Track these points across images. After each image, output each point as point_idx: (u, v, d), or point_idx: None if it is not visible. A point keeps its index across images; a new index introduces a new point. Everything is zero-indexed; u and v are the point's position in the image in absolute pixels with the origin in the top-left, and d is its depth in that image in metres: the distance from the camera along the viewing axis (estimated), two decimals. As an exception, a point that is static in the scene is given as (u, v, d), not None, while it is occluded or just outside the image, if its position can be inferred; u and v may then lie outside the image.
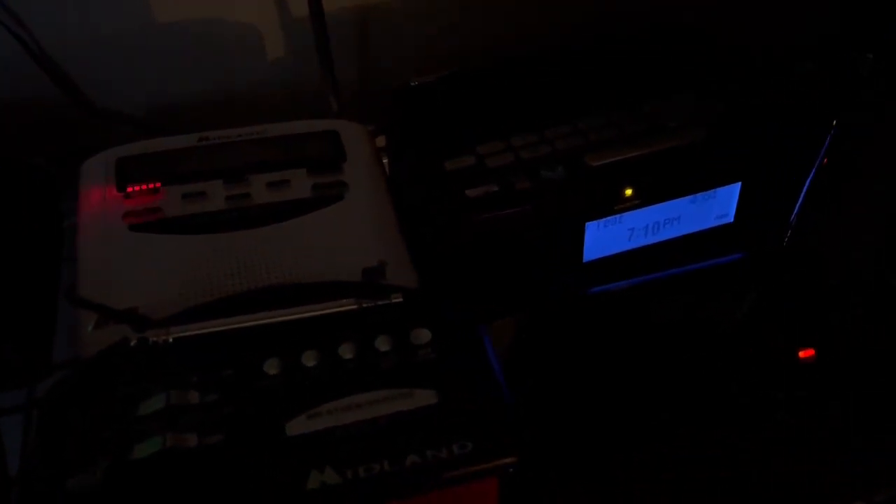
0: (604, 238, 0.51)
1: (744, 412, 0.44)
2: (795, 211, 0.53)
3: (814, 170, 0.51)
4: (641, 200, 0.50)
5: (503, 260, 0.49)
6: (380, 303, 0.42)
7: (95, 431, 0.35)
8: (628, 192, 0.49)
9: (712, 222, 0.54)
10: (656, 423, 0.45)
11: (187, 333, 0.40)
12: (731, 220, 0.54)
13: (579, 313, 0.51)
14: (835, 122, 0.49)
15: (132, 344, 0.39)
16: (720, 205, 0.53)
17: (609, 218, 0.50)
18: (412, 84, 0.60)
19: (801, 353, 0.46)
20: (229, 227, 0.50)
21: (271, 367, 0.38)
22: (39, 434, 0.36)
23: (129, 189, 0.53)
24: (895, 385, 0.46)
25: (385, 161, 0.59)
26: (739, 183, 0.52)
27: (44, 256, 0.56)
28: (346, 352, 0.39)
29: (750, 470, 0.42)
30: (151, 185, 0.53)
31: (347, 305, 0.42)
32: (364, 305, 0.42)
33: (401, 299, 0.42)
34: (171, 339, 0.39)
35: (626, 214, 0.50)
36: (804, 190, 0.52)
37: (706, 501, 0.42)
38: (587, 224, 0.50)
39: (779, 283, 0.52)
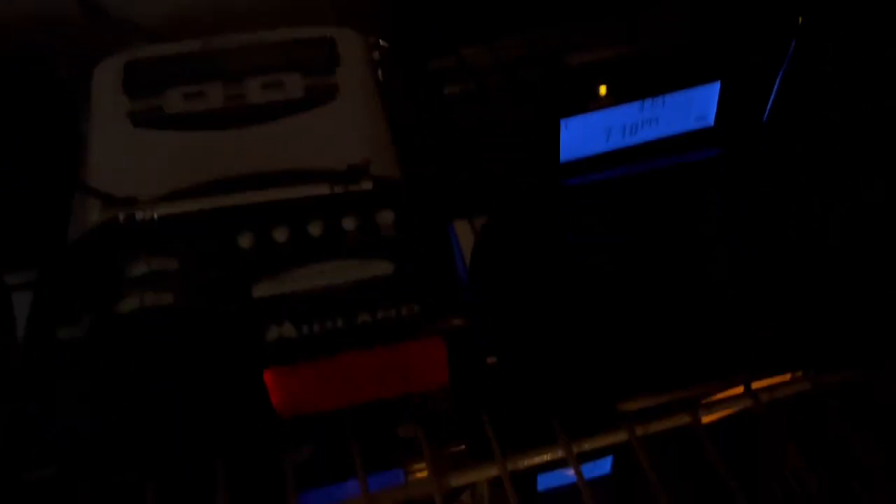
0: (581, 137, 0.53)
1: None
2: (767, 111, 0.54)
3: (783, 69, 0.52)
4: (616, 98, 0.51)
5: (481, 157, 0.52)
6: (351, 188, 0.45)
7: (84, 292, 0.39)
8: (603, 89, 0.51)
9: (691, 125, 0.55)
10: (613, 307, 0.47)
11: (171, 211, 0.43)
12: (711, 123, 0.55)
13: (552, 208, 0.53)
14: (800, 20, 0.50)
15: (121, 220, 0.43)
16: (698, 106, 0.54)
17: (584, 115, 0.51)
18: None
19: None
20: (226, 125, 0.53)
21: (245, 240, 0.41)
22: (35, 295, 0.40)
23: (135, 89, 0.56)
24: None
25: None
26: (718, 83, 0.53)
27: (60, 157, 0.60)
28: (315, 229, 0.42)
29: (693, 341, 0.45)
30: (155, 86, 0.56)
31: (320, 190, 0.45)
32: (335, 191, 0.44)
33: (370, 186, 0.45)
34: (156, 217, 0.43)
35: (601, 112, 0.52)
36: (775, 90, 0.53)
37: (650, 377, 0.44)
38: (562, 121, 0.51)
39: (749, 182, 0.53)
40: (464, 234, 0.54)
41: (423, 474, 0.45)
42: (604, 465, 0.71)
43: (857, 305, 0.47)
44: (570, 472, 0.72)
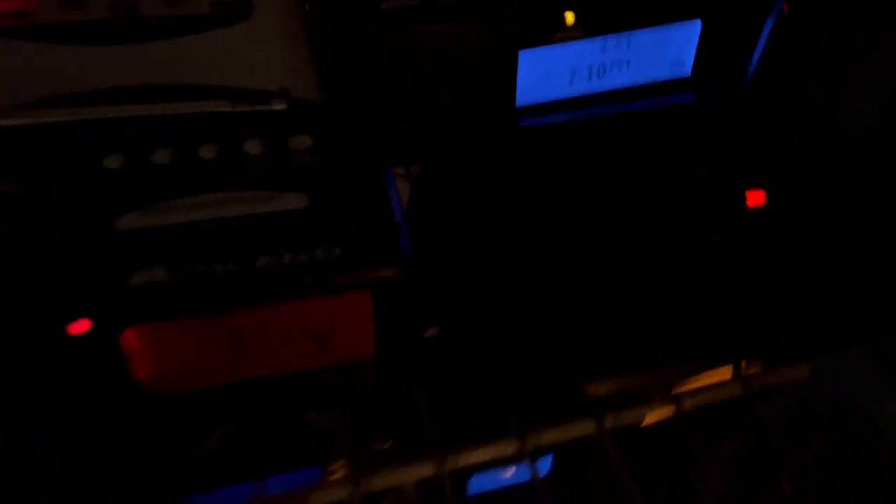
0: (541, 77, 0.45)
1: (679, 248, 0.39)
2: (755, 62, 0.47)
3: (774, 13, 0.45)
4: (584, 30, 0.43)
5: (421, 89, 0.43)
6: (258, 108, 0.35)
7: None
8: (569, 16, 0.43)
9: (666, 72, 0.47)
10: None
11: (15, 123, 0.33)
12: (688, 72, 0.48)
13: (506, 154, 0.45)
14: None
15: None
16: (676, 50, 0.47)
17: (546, 48, 0.43)
18: None
19: (750, 202, 0.40)
20: (111, 40, 0.43)
21: (112, 161, 0.31)
22: None
23: (-3, -9, 0.45)
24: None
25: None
26: (699, 21, 0.45)
27: None
28: (208, 152, 0.32)
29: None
30: (23, -11, 0.46)
31: (218, 107, 0.35)
32: (238, 109, 0.35)
33: (283, 106, 0.35)
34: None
35: (566, 45, 0.44)
36: (765, 37, 0.46)
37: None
38: (521, 52, 0.43)
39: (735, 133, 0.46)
40: (402, 185, 0.46)
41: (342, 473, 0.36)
42: (543, 465, 0.64)
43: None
44: (505, 474, 0.64)
